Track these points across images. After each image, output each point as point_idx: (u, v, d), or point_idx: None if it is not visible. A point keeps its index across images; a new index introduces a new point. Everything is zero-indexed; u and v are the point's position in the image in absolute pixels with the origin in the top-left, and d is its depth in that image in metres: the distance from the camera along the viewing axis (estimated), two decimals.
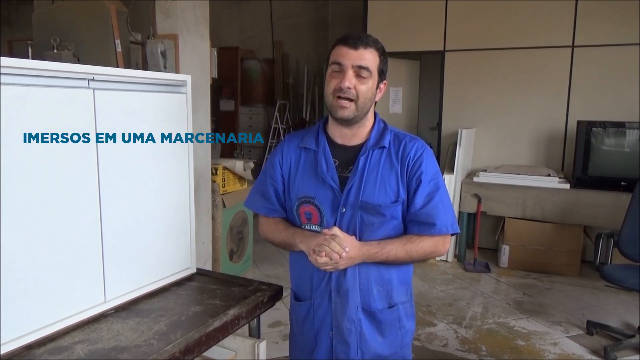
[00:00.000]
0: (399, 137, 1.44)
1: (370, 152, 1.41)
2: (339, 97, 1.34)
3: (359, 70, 1.33)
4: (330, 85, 1.36)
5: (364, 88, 1.34)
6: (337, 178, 1.41)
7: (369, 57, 1.34)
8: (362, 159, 1.40)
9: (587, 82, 4.58)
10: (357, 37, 1.35)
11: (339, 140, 1.45)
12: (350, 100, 1.34)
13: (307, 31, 7.44)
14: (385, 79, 1.42)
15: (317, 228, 1.43)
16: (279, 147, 1.54)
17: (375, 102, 1.45)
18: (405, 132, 1.48)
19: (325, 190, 1.41)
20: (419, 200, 1.38)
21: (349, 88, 1.33)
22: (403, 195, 1.39)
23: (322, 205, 1.41)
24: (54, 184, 1.22)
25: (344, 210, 1.39)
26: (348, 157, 1.43)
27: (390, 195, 1.39)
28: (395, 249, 1.37)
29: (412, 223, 1.41)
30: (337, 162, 1.43)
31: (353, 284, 1.42)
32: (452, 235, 1.45)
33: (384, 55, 1.39)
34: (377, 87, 1.40)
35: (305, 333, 1.52)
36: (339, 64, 1.34)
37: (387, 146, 1.41)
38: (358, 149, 1.42)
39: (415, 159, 1.39)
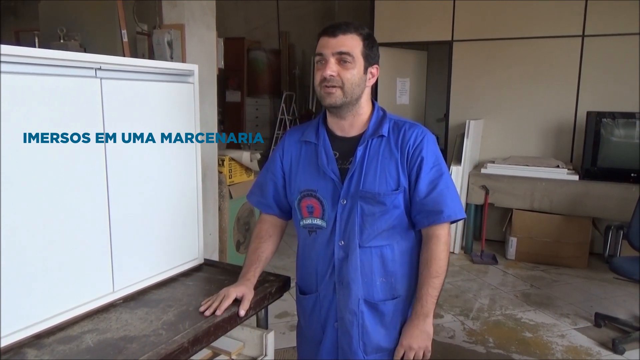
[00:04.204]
0: (398, 124, 1.43)
1: (369, 141, 1.40)
2: (326, 86, 1.34)
3: (341, 57, 1.32)
4: (317, 77, 1.36)
5: (349, 74, 1.33)
6: (337, 170, 1.40)
7: (349, 43, 1.33)
8: (360, 149, 1.39)
9: (597, 72, 4.52)
10: (336, 25, 1.34)
11: (338, 132, 1.45)
12: (336, 86, 1.33)
13: (314, 22, 7.39)
14: (375, 63, 1.40)
15: (319, 222, 1.43)
16: (281, 142, 1.55)
17: (377, 88, 1.43)
18: (405, 119, 1.46)
19: (326, 183, 1.41)
20: (423, 188, 1.37)
21: (332, 76, 1.32)
22: (404, 183, 1.38)
23: (324, 197, 1.41)
24: (62, 175, 1.22)
25: (344, 201, 1.39)
26: (348, 148, 1.42)
27: (391, 183, 1.37)
28: (426, 287, 1.40)
29: (420, 214, 1.39)
30: (337, 154, 1.43)
31: (354, 276, 1.41)
32: (459, 220, 1.43)
33: (368, 39, 1.37)
34: (366, 71, 1.38)
35: (313, 325, 1.52)
36: (321, 54, 1.34)
37: (386, 134, 1.40)
38: (357, 140, 1.41)
39: (415, 145, 1.38)
